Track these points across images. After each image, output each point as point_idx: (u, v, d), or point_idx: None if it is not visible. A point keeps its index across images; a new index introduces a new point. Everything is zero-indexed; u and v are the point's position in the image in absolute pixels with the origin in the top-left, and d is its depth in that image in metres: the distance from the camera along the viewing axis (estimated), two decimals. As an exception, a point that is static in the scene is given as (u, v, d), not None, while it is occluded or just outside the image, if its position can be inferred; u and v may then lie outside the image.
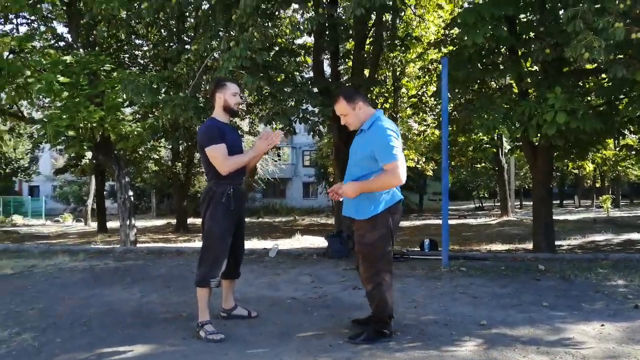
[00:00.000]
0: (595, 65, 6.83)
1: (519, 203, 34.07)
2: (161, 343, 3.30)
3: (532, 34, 7.34)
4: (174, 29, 11.58)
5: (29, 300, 4.53)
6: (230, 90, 3.54)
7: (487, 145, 17.92)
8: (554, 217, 9.22)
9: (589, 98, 7.84)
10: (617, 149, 14.46)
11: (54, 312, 4.09)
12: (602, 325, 3.55)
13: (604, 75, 7.40)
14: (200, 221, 3.55)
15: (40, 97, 11.55)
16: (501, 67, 7.84)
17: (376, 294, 3.20)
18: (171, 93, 7.93)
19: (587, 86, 7.92)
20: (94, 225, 21.50)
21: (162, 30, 12.38)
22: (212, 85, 3.65)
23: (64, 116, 8.92)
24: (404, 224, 20.83)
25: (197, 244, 12.18)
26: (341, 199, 3.29)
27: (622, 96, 7.45)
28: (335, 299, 4.44)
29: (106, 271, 5.93)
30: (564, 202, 36.35)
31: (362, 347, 3.15)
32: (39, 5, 10.88)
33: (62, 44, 12.79)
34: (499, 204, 24.78)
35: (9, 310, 4.18)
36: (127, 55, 14.50)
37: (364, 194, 3.15)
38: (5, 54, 9.56)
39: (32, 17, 12.67)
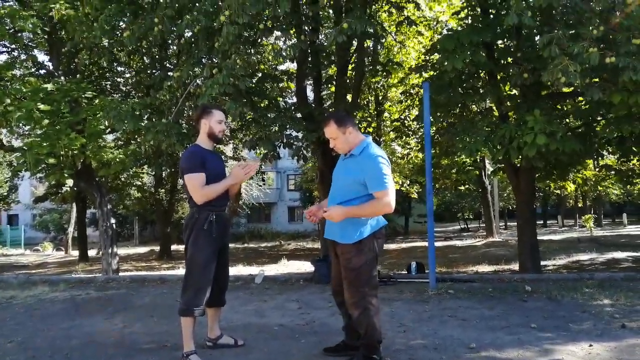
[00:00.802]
0: (572, 88, 7.01)
1: (503, 224, 34.34)
2: (145, 375, 3.20)
3: (510, 59, 7.53)
4: (157, 57, 11.60)
5: (8, 333, 4.39)
6: (216, 117, 3.54)
7: (470, 168, 18.13)
8: (539, 237, 9.31)
9: (567, 120, 8.01)
10: (597, 169, 14.72)
11: (33, 345, 3.96)
12: (591, 345, 3.55)
13: (581, 98, 7.59)
14: (183, 248, 3.50)
15: (20, 124, 11.43)
16: (481, 91, 8.00)
17: (363, 319, 3.17)
18: (154, 119, 7.90)
19: (565, 109, 8.11)
20: (74, 254, 21.07)
21: (145, 58, 12.40)
22: (198, 112, 3.64)
23: (45, 144, 8.82)
24: (390, 246, 20.82)
25: (181, 271, 11.98)
26: (318, 221, 3.26)
27: (599, 118, 7.63)
28: (323, 325, 4.38)
29: (88, 301, 5.78)
30: (548, 222, 36.76)
31: (352, 374, 3.10)
32: (19, 34, 10.85)
33: (43, 71, 12.69)
34: (484, 225, 24.94)
35: (-15, 344, 4.04)
36: (109, 83, 14.45)
37: (349, 219, 3.14)
38: (-15, 82, 9.47)
39: (13, 46, 12.60)
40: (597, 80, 6.14)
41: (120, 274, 10.08)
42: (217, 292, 3.61)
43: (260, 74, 8.79)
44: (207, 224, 3.41)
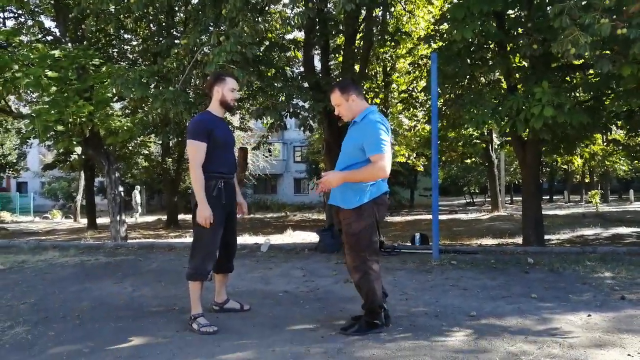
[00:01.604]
0: (582, 60, 6.92)
1: (509, 198, 34.36)
2: (154, 335, 3.31)
3: (520, 30, 7.41)
4: (163, 24, 11.50)
5: (20, 295, 4.52)
6: (229, 85, 3.56)
7: (477, 141, 18.05)
8: (544, 212, 9.33)
9: (576, 93, 7.93)
10: (605, 144, 14.61)
11: (45, 307, 4.09)
12: (589, 315, 3.62)
13: (591, 71, 7.49)
14: (191, 214, 3.56)
15: (29, 91, 11.46)
16: (490, 62, 7.91)
17: (364, 283, 3.25)
18: (161, 87, 7.89)
19: (574, 81, 8.01)
20: (83, 222, 21.36)
21: (151, 25, 12.29)
22: (212, 79, 3.64)
23: (53, 111, 8.85)
24: (395, 219, 20.95)
25: (189, 239, 12.15)
26: (326, 191, 3.32)
27: (608, 91, 7.54)
28: (327, 292, 4.47)
29: (97, 266, 5.91)
30: (554, 197, 36.71)
31: (354, 338, 3.19)
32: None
33: (50, 38, 12.62)
34: (490, 199, 24.95)
35: (0, 304, 4.17)
36: (116, 50, 14.37)
37: (349, 185, 3.21)
38: (-8, 48, 9.47)
39: (20, 11, 12.52)
40: (607, 52, 6.05)
41: (129, 241, 10.25)
42: (225, 258, 3.69)
43: (267, 43, 8.72)
44: (216, 191, 3.46)
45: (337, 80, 8.87)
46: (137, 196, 24.08)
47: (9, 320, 3.68)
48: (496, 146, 21.29)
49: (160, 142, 19.64)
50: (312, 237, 10.86)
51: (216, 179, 3.47)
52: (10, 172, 29.72)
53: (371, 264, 3.25)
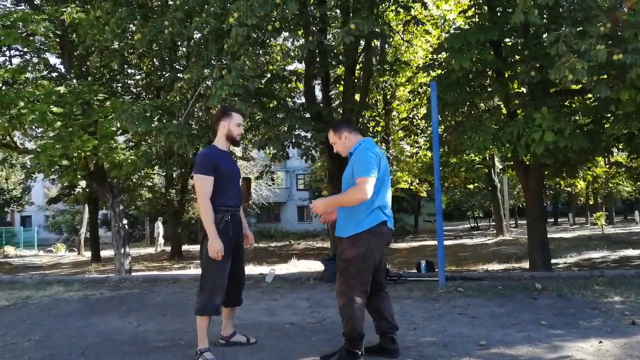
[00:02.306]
0: (580, 85, 7.00)
1: (514, 222, 34.16)
2: (160, 372, 3.28)
3: (517, 57, 7.53)
4: (167, 58, 11.71)
5: (25, 332, 4.49)
6: (235, 120, 3.63)
7: (480, 166, 18.07)
8: (550, 236, 9.28)
9: (575, 117, 7.99)
10: (607, 166, 14.63)
11: (50, 343, 4.06)
12: (600, 342, 3.57)
13: (589, 95, 7.57)
14: (198, 248, 3.56)
15: (34, 127, 11.59)
16: (489, 89, 8.00)
17: (347, 310, 3.26)
18: (164, 121, 8.00)
19: (573, 106, 8.08)
20: (87, 255, 21.30)
21: (155, 60, 12.52)
22: (218, 113, 3.71)
23: (58, 146, 8.95)
24: (400, 245, 20.82)
25: (193, 271, 12.09)
26: (329, 222, 3.50)
27: (608, 115, 7.60)
28: (333, 323, 4.43)
29: (101, 300, 5.88)
30: (559, 220, 36.50)
31: (362, 371, 3.15)
32: (32, 38, 11.00)
33: (55, 74, 12.85)
34: (494, 223, 24.83)
35: (4, 342, 4.14)
36: (120, 85, 14.59)
37: (346, 214, 3.33)
38: (-1, 85, 9.64)
39: (25, 49, 12.78)
40: (604, 77, 6.12)
41: (133, 274, 10.20)
42: (234, 291, 3.68)
43: (269, 75, 8.86)
44: (223, 224, 3.48)
45: (338, 110, 8.98)
46: (160, 227, 23.94)
47: (14, 359, 3.65)
48: (498, 170, 21.33)
49: (164, 173, 19.74)
50: (316, 266, 10.79)
51: (223, 212, 3.50)
52: (15, 206, 29.80)
53: (357, 292, 3.27)
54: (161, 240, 23.99)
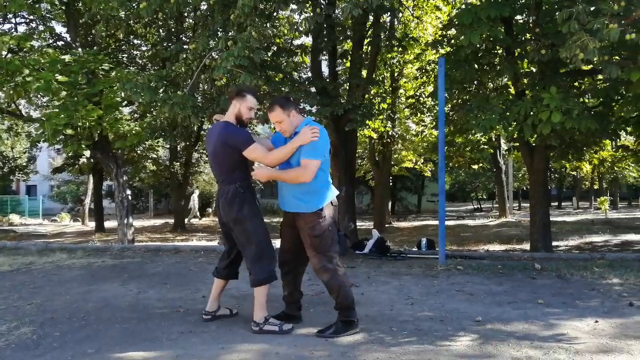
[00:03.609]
0: (591, 66, 6.88)
1: (517, 205, 34.11)
2: (158, 337, 3.32)
3: (528, 35, 7.39)
4: (172, 29, 11.57)
5: (27, 295, 4.55)
6: (248, 103, 3.56)
7: (485, 146, 17.94)
8: (552, 219, 9.26)
9: (584, 99, 7.88)
10: (614, 149, 14.49)
11: (51, 307, 4.11)
12: (596, 321, 3.59)
13: (599, 77, 7.45)
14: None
15: (39, 95, 11.57)
16: (498, 67, 7.89)
17: (334, 282, 3.35)
18: (169, 92, 7.95)
19: (583, 87, 7.96)
20: (91, 225, 21.45)
21: (161, 31, 12.40)
22: (234, 91, 3.66)
23: (62, 115, 8.93)
24: (402, 224, 20.87)
25: (195, 243, 12.20)
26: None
27: (617, 97, 7.49)
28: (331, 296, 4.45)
29: (103, 268, 5.94)
30: (562, 204, 36.42)
31: (358, 341, 3.19)
32: (37, 5, 10.89)
33: (60, 43, 12.76)
34: (497, 205, 24.80)
35: (7, 305, 4.20)
36: (126, 55, 14.49)
37: (308, 190, 3.33)
38: (4, 52, 9.57)
39: (31, 17, 12.67)
40: (616, 57, 6.01)
41: (136, 244, 10.29)
42: (235, 264, 3.72)
43: (275, 48, 8.75)
44: (255, 196, 3.56)
45: (345, 85, 8.89)
46: (195, 200, 24.02)
47: (15, 321, 3.71)
48: (504, 152, 21.19)
49: (168, 146, 19.74)
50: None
51: (252, 186, 3.55)
52: (19, 175, 29.95)
53: (337, 261, 3.39)
54: (197, 214, 24.13)
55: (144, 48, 14.62)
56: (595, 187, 33.15)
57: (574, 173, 29.16)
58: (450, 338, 3.25)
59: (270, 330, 3.38)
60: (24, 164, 29.89)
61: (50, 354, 3.04)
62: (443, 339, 3.23)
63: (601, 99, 7.57)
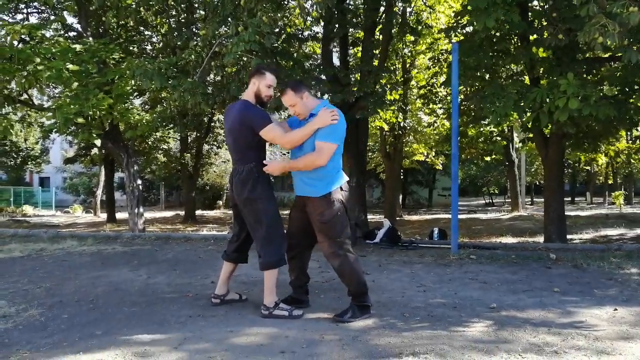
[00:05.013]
0: (609, 53, 6.70)
1: (529, 199, 33.77)
2: (166, 320, 3.28)
3: (544, 21, 7.22)
4: (183, 20, 11.53)
5: (37, 280, 4.54)
6: (266, 81, 3.48)
7: (498, 138, 17.74)
8: (566, 213, 9.09)
9: (601, 87, 7.70)
10: (630, 141, 14.23)
11: (60, 291, 4.09)
12: (615, 309, 3.48)
13: (617, 64, 7.26)
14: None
15: (50, 85, 11.59)
16: (513, 53, 7.72)
17: (345, 267, 3.30)
18: (179, 80, 7.90)
19: (600, 75, 7.78)
20: (103, 216, 21.60)
21: (171, 21, 12.37)
22: (253, 69, 3.61)
23: (74, 104, 8.94)
24: (413, 217, 20.75)
25: (205, 232, 12.19)
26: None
27: (635, 86, 7.30)
28: (341, 282, 4.37)
29: (114, 255, 5.93)
30: (576, 199, 35.97)
31: (369, 326, 3.12)
32: (49, -5, 10.91)
33: (72, 34, 12.80)
34: (510, 200, 24.54)
35: (17, 288, 4.19)
36: (136, 46, 14.46)
37: (314, 174, 3.25)
38: (16, 42, 9.58)
39: (43, 7, 12.70)
40: (637, 44, 5.84)
41: (146, 233, 10.30)
42: (243, 248, 3.66)
43: (285, 35, 8.66)
44: (269, 179, 3.48)
45: (355, 73, 8.78)
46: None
47: (24, 303, 3.69)
48: (517, 145, 20.94)
49: (179, 138, 19.75)
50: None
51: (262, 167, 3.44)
52: (32, 165, 30.19)
53: (347, 247, 3.33)
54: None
55: (154, 39, 14.60)
56: (610, 182, 32.68)
57: (588, 168, 28.75)
58: (464, 324, 3.16)
59: (279, 315, 3.32)
60: (37, 154, 30.12)
61: (57, 335, 3.00)
62: (457, 325, 3.15)
63: (619, 87, 7.39)
